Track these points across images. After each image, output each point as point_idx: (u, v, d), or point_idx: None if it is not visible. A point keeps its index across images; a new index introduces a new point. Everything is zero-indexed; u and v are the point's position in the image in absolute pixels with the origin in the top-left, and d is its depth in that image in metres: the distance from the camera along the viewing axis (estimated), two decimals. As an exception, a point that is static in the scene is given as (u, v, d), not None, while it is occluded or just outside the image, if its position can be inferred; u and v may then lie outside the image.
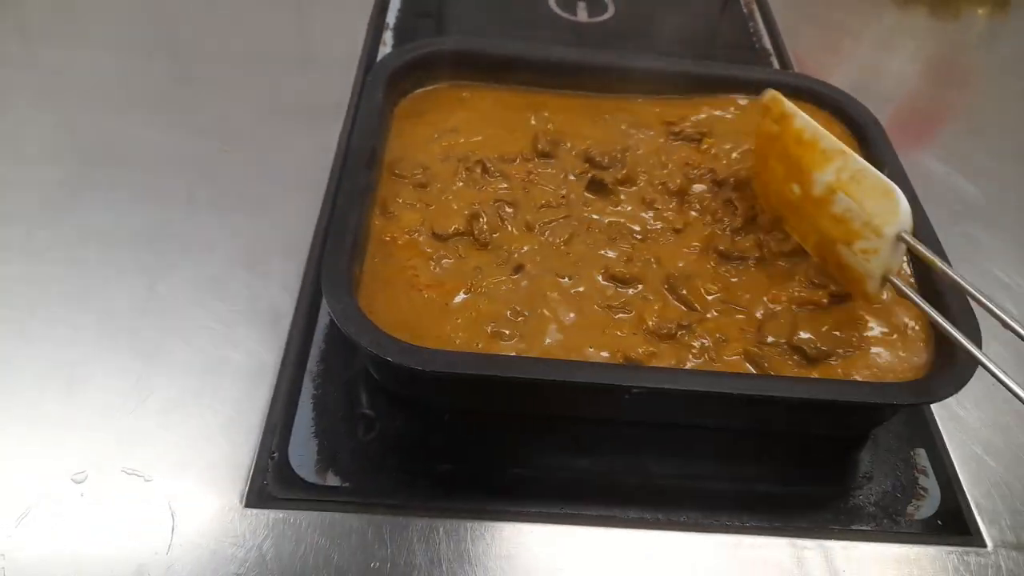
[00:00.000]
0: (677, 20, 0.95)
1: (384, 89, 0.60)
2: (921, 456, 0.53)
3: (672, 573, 0.46)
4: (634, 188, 0.60)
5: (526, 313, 0.49)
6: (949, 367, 0.47)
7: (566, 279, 0.52)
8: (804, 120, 0.53)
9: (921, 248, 0.48)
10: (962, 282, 0.47)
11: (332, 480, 0.47)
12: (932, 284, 0.52)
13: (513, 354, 0.46)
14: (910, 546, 0.48)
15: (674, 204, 0.59)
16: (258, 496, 0.46)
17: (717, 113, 0.66)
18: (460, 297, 0.50)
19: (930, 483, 0.52)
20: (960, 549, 0.48)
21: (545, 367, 0.45)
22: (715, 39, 0.94)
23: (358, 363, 0.52)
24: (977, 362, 0.44)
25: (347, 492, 0.47)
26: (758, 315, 0.51)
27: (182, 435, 0.48)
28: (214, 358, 0.52)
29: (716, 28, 0.95)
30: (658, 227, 0.57)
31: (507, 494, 0.48)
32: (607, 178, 0.59)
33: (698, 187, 0.60)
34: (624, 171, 0.60)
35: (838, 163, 0.51)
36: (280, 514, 0.45)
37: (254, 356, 0.52)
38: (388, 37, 0.83)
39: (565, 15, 0.90)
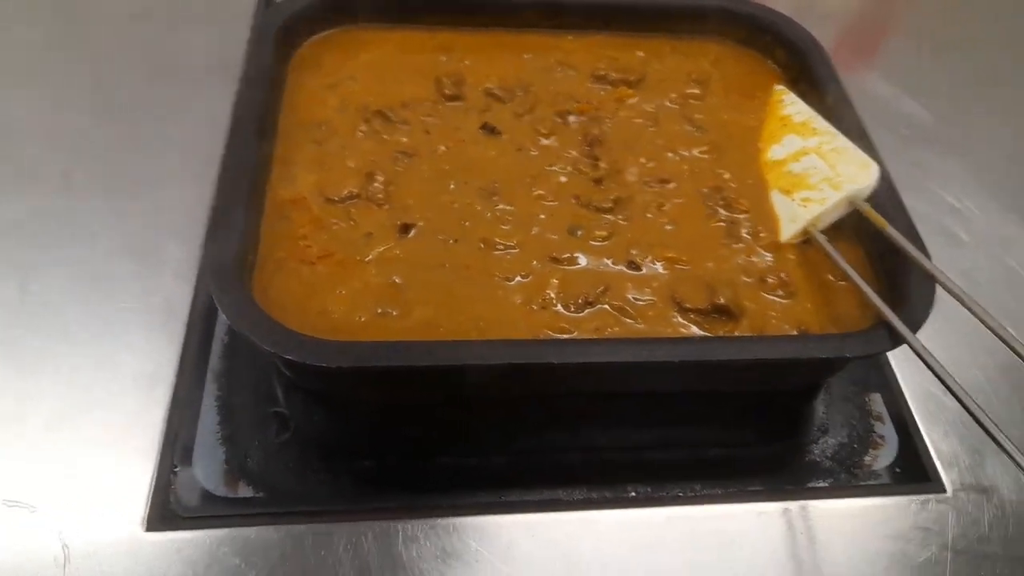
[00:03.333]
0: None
1: (274, 45, 0.53)
2: (876, 401, 0.51)
3: (625, 553, 0.43)
4: (525, 118, 0.55)
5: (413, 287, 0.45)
6: (903, 309, 0.43)
7: (452, 241, 0.47)
8: (799, 107, 0.57)
9: (873, 211, 0.48)
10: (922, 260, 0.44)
11: (244, 491, 0.43)
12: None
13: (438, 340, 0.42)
14: (869, 499, 0.46)
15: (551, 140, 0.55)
16: (161, 517, 0.41)
17: (641, 54, 0.62)
18: (350, 268, 0.45)
19: (887, 430, 0.49)
20: (920, 497, 0.47)
21: (469, 351, 0.40)
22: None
23: (267, 358, 0.47)
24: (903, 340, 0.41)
25: (261, 503, 0.43)
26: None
27: (70, 455, 0.43)
28: (102, 364, 0.46)
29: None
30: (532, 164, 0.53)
31: (439, 487, 0.44)
32: (505, 113, 0.55)
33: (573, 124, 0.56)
34: (525, 106, 0.56)
35: (824, 138, 0.53)
36: (188, 535, 0.41)
37: (148, 358, 0.47)
38: (285, -17, 0.74)
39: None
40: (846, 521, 0.46)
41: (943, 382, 0.40)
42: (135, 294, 0.49)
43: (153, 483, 0.42)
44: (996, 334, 0.40)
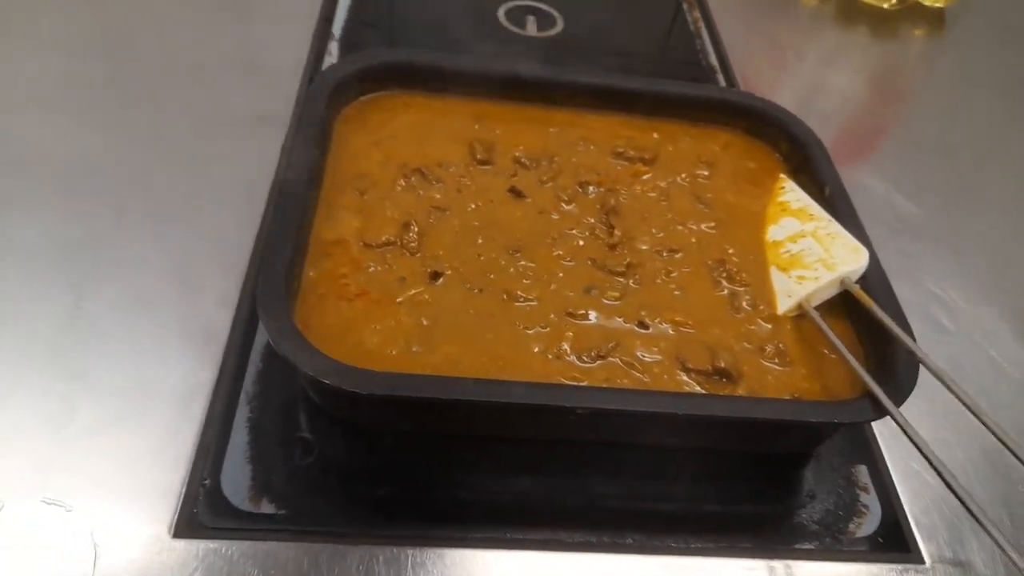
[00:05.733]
0: (625, 36, 0.95)
1: (327, 100, 0.58)
2: (862, 473, 0.53)
3: (618, 596, 0.45)
4: (549, 185, 0.60)
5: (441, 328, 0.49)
6: (889, 384, 0.47)
7: (477, 290, 0.52)
8: (798, 195, 0.62)
9: (862, 292, 0.52)
10: (899, 332, 0.48)
11: (267, 507, 0.45)
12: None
13: (461, 376, 0.45)
14: (852, 564, 0.49)
15: (571, 206, 0.60)
16: (188, 525, 0.44)
17: (656, 136, 0.67)
18: (384, 307, 0.49)
19: (871, 500, 0.52)
20: (900, 566, 0.49)
21: (491, 389, 0.43)
22: (663, 56, 0.94)
23: (297, 384, 0.50)
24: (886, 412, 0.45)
25: (282, 520, 0.45)
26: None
27: (107, 461, 0.46)
28: (143, 379, 0.49)
29: (664, 45, 0.96)
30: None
31: (449, 518, 0.47)
32: (530, 179, 0.61)
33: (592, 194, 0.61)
34: (549, 174, 0.61)
35: (820, 223, 0.58)
36: (211, 544, 0.43)
37: (186, 377, 0.50)
38: (333, 47, 0.81)
39: (515, 29, 0.90)
40: (829, 583, 0.48)
41: (921, 452, 0.43)
42: (178, 317, 0.53)
43: (183, 493, 0.45)
44: (970, 410, 0.43)
